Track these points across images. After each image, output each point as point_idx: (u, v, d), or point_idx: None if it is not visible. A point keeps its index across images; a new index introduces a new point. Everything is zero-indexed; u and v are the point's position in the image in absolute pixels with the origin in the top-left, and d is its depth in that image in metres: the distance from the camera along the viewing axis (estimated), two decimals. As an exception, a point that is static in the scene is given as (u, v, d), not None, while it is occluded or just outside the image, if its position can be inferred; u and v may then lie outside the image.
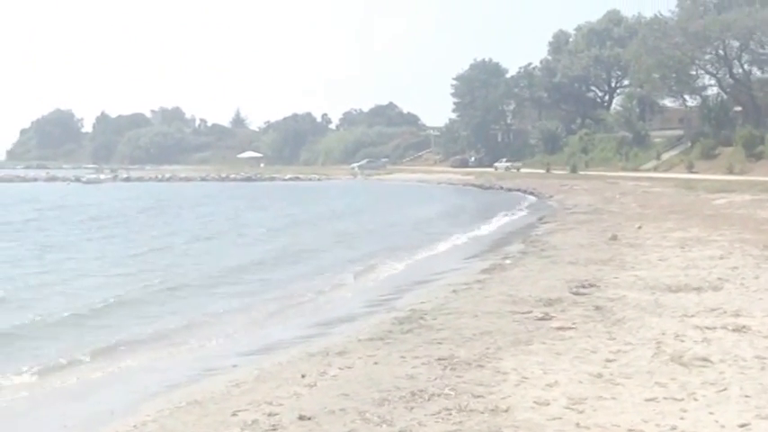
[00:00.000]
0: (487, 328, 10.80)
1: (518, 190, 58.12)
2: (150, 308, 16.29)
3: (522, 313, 11.66)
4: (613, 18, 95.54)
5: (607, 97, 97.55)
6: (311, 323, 14.16)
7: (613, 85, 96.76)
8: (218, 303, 16.66)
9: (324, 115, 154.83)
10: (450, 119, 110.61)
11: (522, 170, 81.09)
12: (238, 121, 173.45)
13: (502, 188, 63.01)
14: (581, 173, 68.95)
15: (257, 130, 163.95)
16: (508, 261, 18.69)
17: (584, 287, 13.51)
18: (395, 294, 16.30)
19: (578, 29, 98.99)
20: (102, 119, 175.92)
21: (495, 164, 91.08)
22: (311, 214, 42.30)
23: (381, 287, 17.94)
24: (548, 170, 75.19)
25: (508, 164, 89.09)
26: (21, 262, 22.94)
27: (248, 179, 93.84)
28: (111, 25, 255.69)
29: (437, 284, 16.75)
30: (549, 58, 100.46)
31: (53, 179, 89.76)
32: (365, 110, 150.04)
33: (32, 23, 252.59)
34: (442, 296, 14.17)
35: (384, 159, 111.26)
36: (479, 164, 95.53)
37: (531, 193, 53.22)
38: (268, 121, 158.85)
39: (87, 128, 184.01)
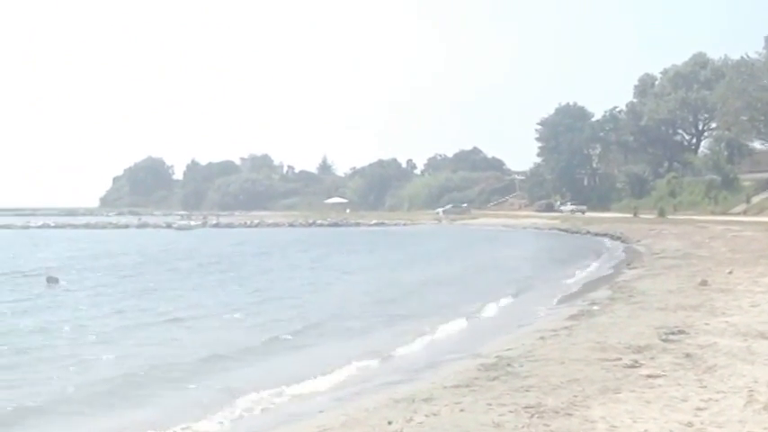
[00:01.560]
0: (575, 375, 10.72)
1: (605, 234, 57.49)
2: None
3: (611, 360, 11.53)
4: (699, 61, 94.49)
5: (694, 140, 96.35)
6: (397, 368, 14.19)
7: (701, 128, 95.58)
8: (314, 348, 16.89)
9: (409, 161, 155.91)
10: (534, 163, 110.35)
11: (607, 214, 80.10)
12: (325, 167, 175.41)
13: (589, 233, 62.41)
14: (669, 217, 67.94)
15: (343, 175, 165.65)
16: (596, 307, 18.49)
17: (673, 334, 13.30)
18: (480, 340, 16.25)
19: (664, 72, 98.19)
20: (193, 166, 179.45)
21: (561, 207, 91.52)
22: (402, 259, 42.32)
23: (466, 333, 17.91)
24: (635, 214, 74.23)
25: (573, 207, 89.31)
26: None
27: (335, 225, 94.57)
28: (201, 77, 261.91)
29: (523, 331, 16.67)
30: (635, 101, 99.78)
31: (144, 225, 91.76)
32: (449, 155, 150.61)
33: (126, 76, 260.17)
34: (528, 343, 14.09)
35: (465, 205, 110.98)
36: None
37: (619, 238, 52.57)
38: (354, 167, 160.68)
39: (178, 175, 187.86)
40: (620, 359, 11.56)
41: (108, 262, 40.14)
